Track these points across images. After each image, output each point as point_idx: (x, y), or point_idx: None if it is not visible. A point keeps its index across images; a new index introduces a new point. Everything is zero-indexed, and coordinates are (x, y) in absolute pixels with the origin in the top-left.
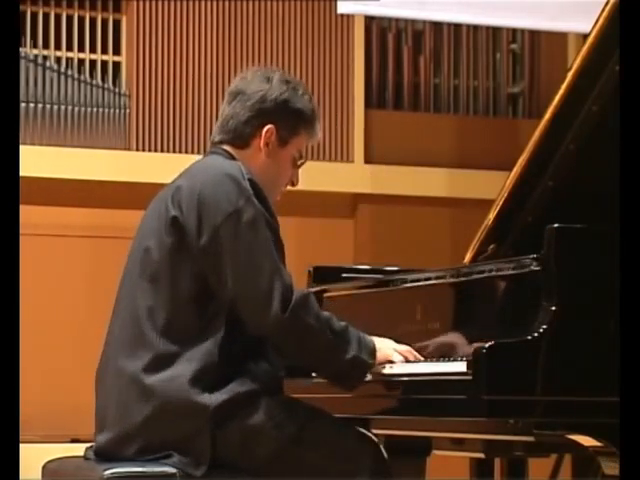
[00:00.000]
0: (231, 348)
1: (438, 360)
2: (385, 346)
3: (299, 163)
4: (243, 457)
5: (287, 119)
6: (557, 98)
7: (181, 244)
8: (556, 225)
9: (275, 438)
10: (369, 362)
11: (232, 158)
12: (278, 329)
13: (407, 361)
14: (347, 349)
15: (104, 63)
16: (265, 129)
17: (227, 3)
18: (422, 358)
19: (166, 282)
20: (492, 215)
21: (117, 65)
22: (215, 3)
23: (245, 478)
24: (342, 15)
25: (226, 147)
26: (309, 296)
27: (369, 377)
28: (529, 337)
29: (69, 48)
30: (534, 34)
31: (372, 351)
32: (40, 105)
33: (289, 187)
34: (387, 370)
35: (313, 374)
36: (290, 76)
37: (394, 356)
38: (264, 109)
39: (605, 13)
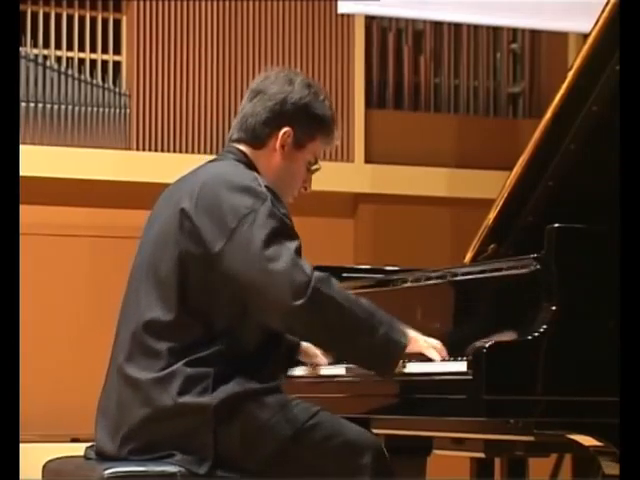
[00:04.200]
0: (233, 349)
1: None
2: (420, 337)
3: (313, 168)
4: (244, 455)
5: (306, 123)
6: (557, 98)
7: (194, 254)
8: (556, 225)
9: (276, 436)
10: (402, 342)
11: (247, 159)
12: (300, 317)
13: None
14: (378, 327)
15: (104, 63)
16: (282, 131)
17: (227, 3)
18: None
19: (174, 293)
20: (492, 215)
21: (117, 65)
22: (215, 3)
23: (246, 477)
24: (342, 15)
25: (242, 147)
26: (329, 277)
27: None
28: (529, 337)
29: (69, 48)
30: (534, 34)
31: (404, 333)
32: (40, 105)
33: (302, 191)
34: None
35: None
36: (312, 80)
37: (430, 352)
38: (284, 111)
39: (605, 13)
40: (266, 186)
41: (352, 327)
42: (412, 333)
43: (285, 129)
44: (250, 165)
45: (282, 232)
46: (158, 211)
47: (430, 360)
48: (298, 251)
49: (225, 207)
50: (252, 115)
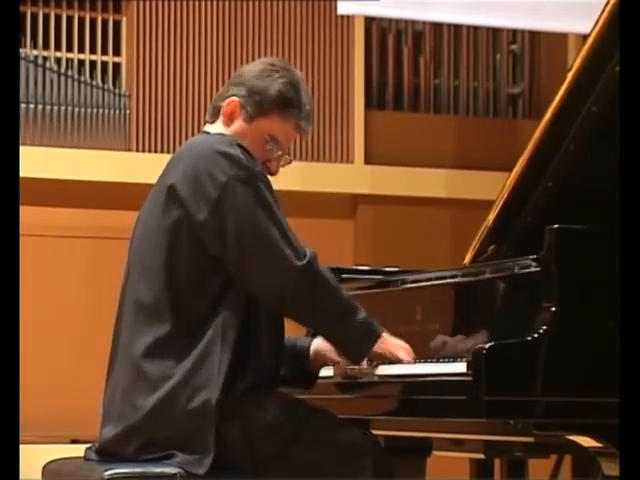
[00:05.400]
0: (236, 347)
1: (438, 361)
2: (393, 338)
3: (276, 155)
4: (245, 455)
5: (252, 95)
6: (557, 98)
7: (179, 226)
8: (556, 226)
9: (278, 437)
10: (378, 331)
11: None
12: (299, 278)
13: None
14: (358, 312)
15: (104, 64)
16: (227, 100)
17: (227, 3)
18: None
19: (171, 280)
20: (492, 216)
21: (117, 66)
22: (215, 3)
23: (247, 478)
24: (342, 16)
25: (205, 127)
26: (316, 254)
27: (369, 378)
28: (529, 338)
29: (69, 49)
30: (534, 34)
31: (379, 326)
32: (40, 106)
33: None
34: (389, 371)
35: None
36: (285, 63)
37: (400, 353)
38: (235, 83)
39: (605, 13)
40: (238, 144)
41: (337, 306)
42: (385, 332)
43: (230, 99)
44: None
45: (267, 198)
46: (148, 202)
47: (428, 361)
48: (283, 216)
49: (202, 174)
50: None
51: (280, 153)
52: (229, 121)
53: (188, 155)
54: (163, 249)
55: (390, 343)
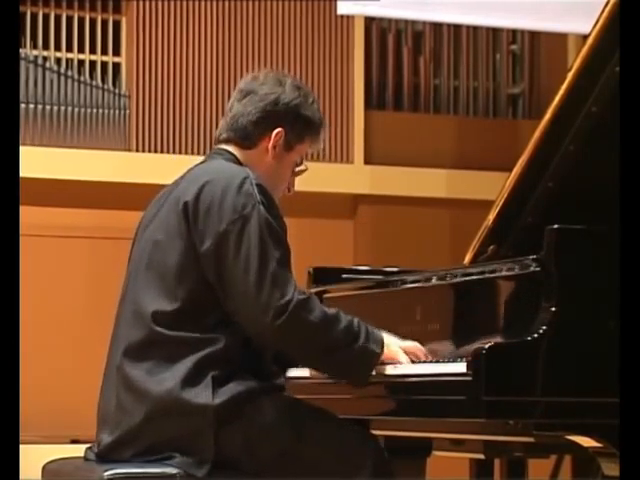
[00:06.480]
0: (233, 348)
1: (438, 361)
2: (393, 343)
3: (298, 170)
4: (246, 457)
5: (296, 125)
6: (557, 99)
7: (187, 251)
8: (556, 226)
9: (278, 437)
10: (377, 352)
11: (237, 161)
12: (274, 336)
13: (413, 362)
14: (355, 340)
15: (104, 64)
16: (275, 131)
17: (227, 3)
18: (429, 356)
19: (172, 288)
20: (492, 216)
21: (117, 66)
22: (215, 3)
23: (247, 478)
24: (342, 16)
25: (231, 148)
26: (309, 299)
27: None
28: (529, 338)
29: (69, 49)
30: (534, 35)
31: (380, 342)
32: (40, 106)
33: (285, 193)
34: (389, 371)
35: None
36: (301, 82)
37: (400, 356)
38: (276, 112)
39: (605, 13)
40: (258, 184)
41: (327, 349)
42: (386, 339)
43: (278, 129)
44: (240, 165)
45: (269, 245)
46: (155, 212)
47: (428, 361)
48: (284, 263)
49: (216, 205)
50: (243, 115)
51: (301, 168)
52: (273, 151)
53: (209, 178)
54: (175, 263)
55: (390, 351)
